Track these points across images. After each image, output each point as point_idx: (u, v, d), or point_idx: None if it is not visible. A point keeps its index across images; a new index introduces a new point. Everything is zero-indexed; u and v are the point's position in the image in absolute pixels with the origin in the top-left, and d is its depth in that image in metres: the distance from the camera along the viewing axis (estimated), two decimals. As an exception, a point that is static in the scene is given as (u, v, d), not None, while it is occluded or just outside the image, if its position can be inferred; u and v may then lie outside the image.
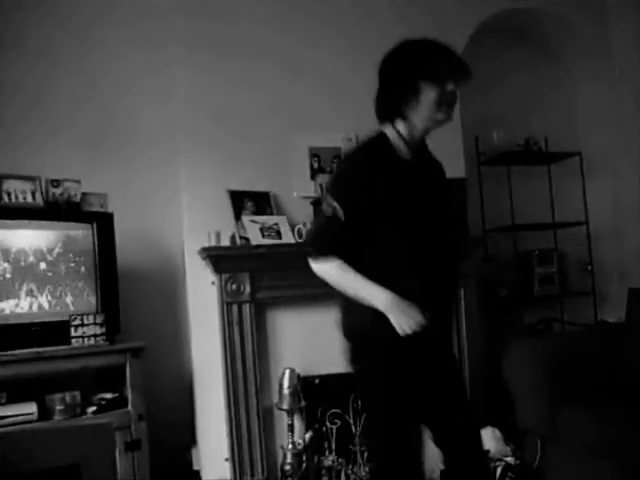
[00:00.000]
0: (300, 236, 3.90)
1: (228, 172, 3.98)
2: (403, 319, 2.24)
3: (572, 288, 4.71)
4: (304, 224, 3.93)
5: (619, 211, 4.84)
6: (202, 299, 3.91)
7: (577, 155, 4.72)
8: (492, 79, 4.41)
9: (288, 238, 3.88)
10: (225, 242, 3.84)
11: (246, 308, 3.83)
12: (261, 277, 3.86)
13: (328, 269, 2.37)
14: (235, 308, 3.81)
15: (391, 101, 2.33)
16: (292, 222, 3.98)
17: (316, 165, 4.16)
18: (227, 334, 3.80)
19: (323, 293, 3.88)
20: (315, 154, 4.17)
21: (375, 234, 2.31)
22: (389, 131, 2.35)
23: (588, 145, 4.82)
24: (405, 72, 2.28)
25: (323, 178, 4.11)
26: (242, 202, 3.94)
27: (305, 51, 4.20)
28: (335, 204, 2.28)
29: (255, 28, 4.12)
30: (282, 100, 4.14)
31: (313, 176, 4.14)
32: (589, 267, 4.69)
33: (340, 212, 2.26)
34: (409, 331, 2.23)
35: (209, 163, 3.97)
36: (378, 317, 2.27)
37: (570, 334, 4.45)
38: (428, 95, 2.25)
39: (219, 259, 3.77)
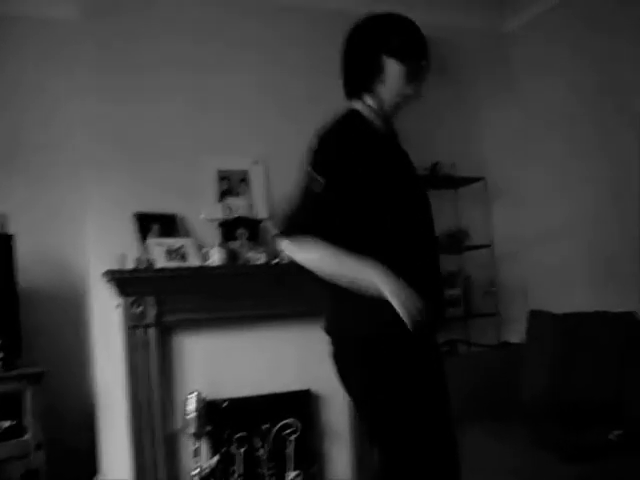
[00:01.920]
0: (206, 259, 3.89)
1: (135, 194, 3.94)
2: (410, 304, 1.99)
3: (477, 310, 4.81)
4: (210, 247, 3.91)
5: (522, 234, 4.98)
6: (106, 323, 3.84)
7: (482, 180, 4.84)
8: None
9: (194, 261, 3.86)
10: (130, 265, 3.79)
11: (151, 332, 3.79)
12: (167, 300, 3.82)
13: (315, 252, 2.07)
14: (140, 332, 3.76)
15: (359, 76, 2.22)
16: (199, 244, 3.97)
17: (224, 187, 4.16)
18: (131, 358, 3.74)
19: (231, 315, 4.00)
20: (223, 177, 4.17)
21: (371, 212, 2.10)
22: (359, 106, 2.22)
23: (493, 170, 4.95)
24: (371, 46, 2.18)
25: (231, 200, 4.11)
26: (148, 224, 3.91)
27: (214, 74, 4.23)
28: (318, 178, 2.05)
29: (164, 49, 4.13)
30: (190, 122, 4.14)
31: (221, 198, 4.14)
32: (493, 289, 4.80)
33: (323, 186, 2.05)
34: (417, 317, 1.99)
35: (115, 185, 3.93)
36: (381, 309, 2.01)
37: (475, 355, 4.55)
38: (395, 70, 2.16)
39: (123, 282, 3.72)
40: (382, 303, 2.01)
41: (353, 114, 2.20)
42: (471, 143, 5.01)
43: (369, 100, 2.22)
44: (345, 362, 2.15)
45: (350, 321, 2.13)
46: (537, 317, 4.29)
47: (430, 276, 2.18)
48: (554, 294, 4.66)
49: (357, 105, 2.23)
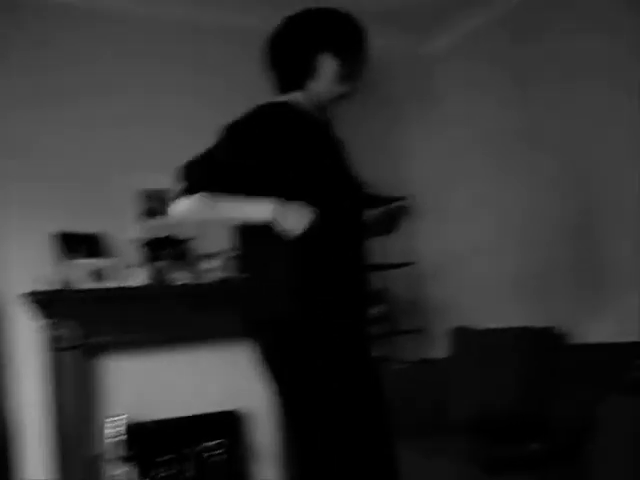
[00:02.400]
0: (131, 279, 3.83)
1: (58, 213, 3.88)
2: (294, 218, 1.96)
3: (401, 326, 4.87)
4: (135, 267, 3.87)
5: (446, 252, 5.07)
6: (26, 346, 3.75)
7: (407, 197, 4.91)
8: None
9: (118, 281, 3.80)
10: (52, 286, 3.70)
11: (73, 354, 3.70)
12: (90, 322, 3.75)
13: (192, 202, 2.00)
14: (61, 354, 3.68)
15: (291, 72, 2.15)
16: (124, 265, 3.91)
17: (149, 207, 4.12)
18: (53, 381, 3.66)
19: (156, 337, 3.95)
20: (149, 196, 4.13)
21: (281, 182, 2.05)
22: (288, 98, 2.16)
23: (418, 187, 5.03)
24: (305, 42, 2.12)
25: (157, 220, 4.08)
26: (71, 244, 3.83)
27: (138, 93, 4.20)
28: (222, 143, 2.04)
29: (85, 70, 4.10)
30: (115, 142, 4.09)
31: (147, 218, 4.10)
32: (418, 306, 4.87)
33: (229, 151, 2.02)
34: (301, 229, 1.95)
35: (37, 204, 3.85)
36: (302, 295, 2.01)
37: (400, 372, 4.59)
38: (329, 65, 2.11)
39: (44, 304, 3.64)
40: (296, 289, 2.01)
41: (280, 101, 2.14)
42: (396, 162, 5.08)
43: (299, 96, 2.16)
44: (263, 341, 2.12)
45: (266, 308, 2.09)
46: (461, 333, 4.38)
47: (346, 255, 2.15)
48: (478, 310, 4.75)
49: (284, 97, 2.17)
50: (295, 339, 2.03)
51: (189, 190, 2.01)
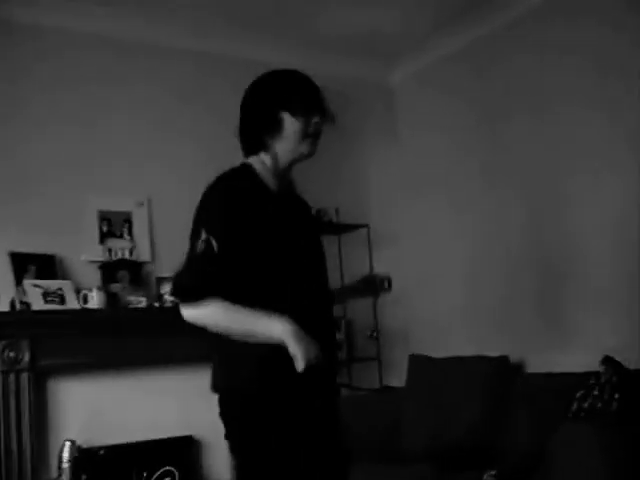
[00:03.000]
0: (85, 301, 3.78)
1: (10, 233, 3.82)
2: (305, 348, 1.98)
3: (359, 354, 4.87)
4: (90, 289, 3.82)
5: (403, 280, 5.10)
6: (-24, 367, 3.67)
7: (365, 227, 4.95)
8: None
9: (73, 303, 3.75)
10: (4, 307, 3.64)
11: (24, 377, 3.63)
12: (43, 344, 3.68)
13: (210, 312, 2.03)
14: (12, 377, 3.60)
15: (254, 133, 2.20)
16: (78, 287, 3.86)
17: (105, 229, 4.09)
18: (2, 405, 3.57)
19: (110, 360, 3.89)
20: (105, 217, 4.09)
21: (257, 266, 2.07)
22: (254, 162, 2.20)
23: (376, 216, 5.07)
24: (268, 102, 2.18)
25: (112, 242, 4.05)
26: (24, 265, 3.77)
27: (100, 113, 4.19)
28: (208, 237, 2.01)
29: (46, 86, 4.07)
30: (73, 161, 4.07)
31: (102, 240, 4.06)
32: (374, 333, 4.88)
33: (215, 245, 2.01)
34: (312, 361, 1.97)
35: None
36: (271, 365, 2.03)
37: (357, 399, 4.58)
38: (292, 126, 2.16)
39: (-5, 325, 3.57)
40: (265, 357, 2.01)
41: (241, 169, 2.19)
42: (355, 190, 5.12)
43: (265, 158, 2.20)
44: (227, 417, 2.12)
45: (231, 376, 2.10)
46: (416, 361, 4.40)
47: (321, 328, 2.14)
48: (434, 339, 4.78)
49: (251, 160, 2.22)
50: (259, 414, 2.04)
51: (200, 296, 2.03)
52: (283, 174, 2.25)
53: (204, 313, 2.03)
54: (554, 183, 4.12)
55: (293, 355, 1.98)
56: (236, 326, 2.04)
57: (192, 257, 2.05)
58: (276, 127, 2.17)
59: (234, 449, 2.15)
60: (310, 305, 2.16)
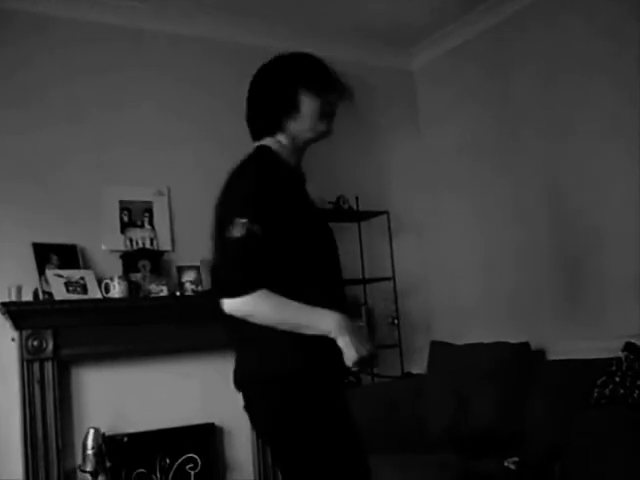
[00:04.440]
0: (107, 291, 3.81)
1: (32, 224, 3.85)
2: (358, 342, 1.93)
3: (380, 341, 4.86)
4: (111, 279, 3.85)
5: (424, 267, 5.10)
6: (1, 357, 3.71)
7: (385, 213, 4.93)
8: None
9: (94, 293, 3.78)
10: (27, 297, 3.67)
11: (48, 365, 3.68)
12: (65, 333, 3.72)
13: (257, 306, 1.94)
14: (36, 366, 3.65)
15: (270, 113, 2.17)
16: (99, 276, 3.89)
17: (126, 219, 4.11)
18: (27, 393, 3.62)
19: (132, 349, 3.92)
20: (125, 207, 4.12)
21: (292, 249, 2.01)
22: (270, 143, 2.17)
23: (396, 204, 5.06)
24: (286, 82, 2.16)
25: (133, 232, 4.07)
26: (47, 255, 3.81)
27: (120, 103, 4.21)
28: (246, 222, 1.92)
29: (65, 79, 4.09)
30: (93, 152, 4.09)
31: (123, 230, 4.08)
32: (395, 321, 4.87)
33: (256, 230, 1.92)
34: (365, 354, 1.92)
35: (12, 213, 3.83)
36: (316, 354, 1.97)
37: (378, 386, 4.60)
38: (310, 105, 2.15)
39: (19, 315, 3.61)
40: (301, 344, 1.96)
41: (264, 151, 2.16)
42: (375, 177, 5.10)
43: (281, 137, 2.19)
44: (265, 409, 2.03)
45: (268, 364, 2.01)
46: (438, 348, 4.40)
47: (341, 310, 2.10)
48: (455, 326, 4.78)
49: (267, 142, 2.19)
50: (305, 402, 1.97)
51: (250, 288, 1.93)
52: (300, 154, 2.24)
53: (251, 306, 1.94)
54: (573, 169, 4.09)
55: (344, 348, 1.93)
56: (284, 319, 1.96)
57: (231, 247, 1.95)
58: (294, 106, 2.15)
59: (275, 439, 2.06)
60: (338, 288, 2.15)
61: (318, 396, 1.99)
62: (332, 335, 1.94)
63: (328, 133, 2.22)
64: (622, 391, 3.09)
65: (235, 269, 1.95)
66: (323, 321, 1.95)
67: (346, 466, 2.00)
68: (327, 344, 1.96)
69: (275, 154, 2.16)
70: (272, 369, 2.00)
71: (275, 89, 2.18)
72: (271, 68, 2.24)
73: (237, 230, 1.93)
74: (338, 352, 1.97)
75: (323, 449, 1.98)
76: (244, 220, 1.93)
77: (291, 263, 2.02)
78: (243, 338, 2.07)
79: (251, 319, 1.96)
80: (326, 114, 2.19)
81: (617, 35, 3.81)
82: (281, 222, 1.99)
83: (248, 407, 2.08)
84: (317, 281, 2.07)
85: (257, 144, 2.20)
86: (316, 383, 1.99)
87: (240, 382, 2.09)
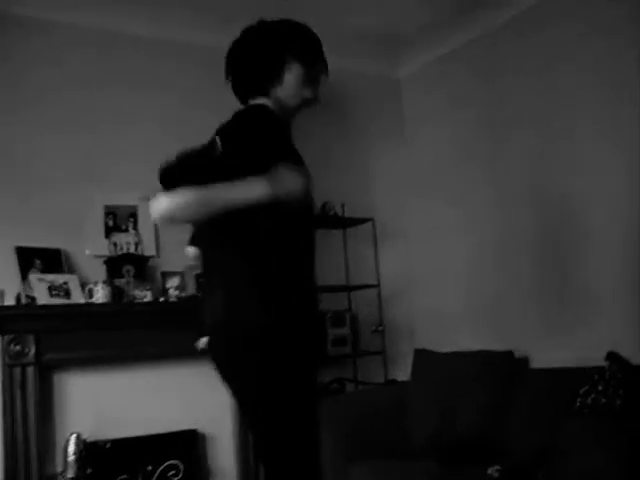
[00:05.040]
0: (90, 296, 3.79)
1: (15, 226, 3.83)
2: (291, 180, 1.94)
3: (364, 348, 4.87)
4: (95, 283, 3.83)
5: (409, 274, 5.10)
6: (-19, 362, 3.68)
7: (370, 220, 4.94)
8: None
9: (78, 297, 3.76)
10: (10, 301, 3.65)
11: (30, 370, 3.65)
12: (48, 338, 3.70)
13: (184, 194, 1.92)
14: (18, 371, 3.62)
15: (258, 78, 2.18)
16: (84, 281, 3.87)
17: (111, 223, 4.09)
18: (8, 398, 3.59)
19: (115, 354, 3.90)
20: (110, 212, 4.10)
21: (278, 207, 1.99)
22: (262, 101, 2.17)
23: (382, 210, 5.06)
24: (272, 47, 2.18)
25: (118, 236, 4.05)
26: (30, 259, 3.78)
27: (104, 109, 4.19)
28: (222, 147, 1.94)
29: (53, 80, 4.08)
30: (78, 155, 4.07)
31: (107, 234, 4.07)
32: (380, 328, 4.87)
33: (226, 155, 1.93)
34: (300, 189, 1.94)
35: (-4, 217, 3.80)
36: (278, 298, 1.98)
37: (362, 393, 4.60)
38: (295, 71, 2.18)
39: (2, 319, 3.58)
40: (279, 292, 1.98)
41: (262, 106, 2.14)
42: (362, 184, 5.11)
43: (266, 101, 2.18)
44: (238, 356, 2.01)
45: (247, 311, 1.99)
46: (422, 356, 4.40)
47: (310, 281, 2.15)
48: (438, 333, 4.78)
49: (259, 101, 2.19)
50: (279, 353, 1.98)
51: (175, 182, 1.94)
52: (288, 120, 2.25)
53: (180, 196, 1.92)
54: (558, 180, 4.10)
55: (284, 194, 1.93)
56: (214, 197, 1.92)
57: (190, 154, 2.00)
58: (279, 72, 2.18)
59: (247, 386, 2.05)
60: (311, 264, 2.15)
61: (281, 356, 1.98)
62: (270, 192, 1.91)
63: (314, 100, 2.25)
64: (604, 400, 3.10)
65: (176, 169, 2.00)
66: (254, 186, 1.92)
67: (301, 422, 2.02)
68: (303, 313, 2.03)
69: (272, 110, 2.15)
70: (239, 320, 2.00)
71: (264, 55, 2.19)
72: (259, 33, 2.24)
73: (207, 147, 1.96)
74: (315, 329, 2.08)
75: (280, 404, 1.99)
76: (219, 144, 1.94)
77: (271, 219, 2.00)
78: (212, 284, 2.09)
79: (180, 213, 1.96)
80: (312, 81, 2.22)
81: (609, 38, 3.82)
82: (257, 164, 1.96)
83: (213, 351, 2.10)
84: (293, 249, 2.07)
85: (250, 103, 2.20)
86: (281, 343, 1.98)
87: (209, 328, 2.10)
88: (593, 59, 3.89)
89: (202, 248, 2.25)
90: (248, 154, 1.97)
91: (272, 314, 1.98)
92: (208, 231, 2.14)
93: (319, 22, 4.49)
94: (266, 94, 2.19)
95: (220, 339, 2.06)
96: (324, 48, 2.31)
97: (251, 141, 1.99)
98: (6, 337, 3.61)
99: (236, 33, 2.29)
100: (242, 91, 2.24)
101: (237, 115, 2.06)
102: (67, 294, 3.74)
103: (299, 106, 2.24)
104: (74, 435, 3.66)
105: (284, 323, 1.99)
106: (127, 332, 3.89)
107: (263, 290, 1.99)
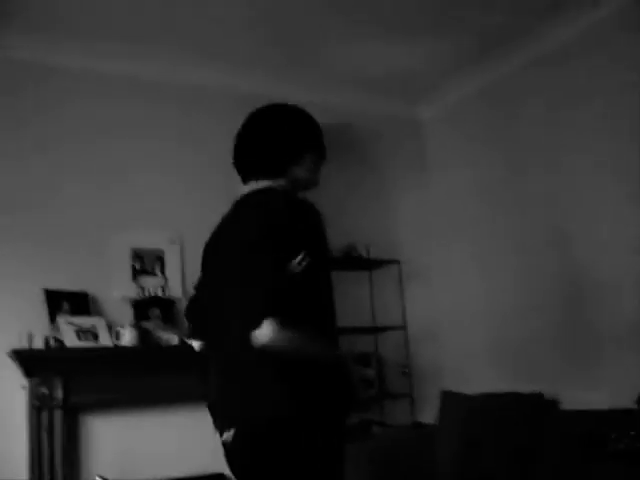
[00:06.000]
0: (117, 338, 3.81)
1: (44, 270, 3.88)
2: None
3: (391, 390, 4.83)
4: (122, 326, 3.85)
5: (435, 316, 5.08)
6: (9, 404, 3.71)
7: (396, 262, 4.93)
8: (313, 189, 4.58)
9: (105, 340, 3.79)
10: (38, 344, 3.68)
11: (57, 413, 3.66)
12: (75, 381, 3.72)
13: (289, 336, 1.91)
14: (45, 414, 3.63)
15: (277, 160, 2.24)
16: (111, 324, 3.90)
17: (138, 266, 4.13)
18: (35, 441, 3.60)
19: (142, 397, 3.91)
20: (138, 255, 4.14)
21: (315, 285, 2.02)
22: (276, 184, 2.22)
23: (406, 251, 5.06)
24: (295, 136, 2.27)
25: (145, 279, 4.09)
26: (58, 302, 3.82)
27: (129, 152, 4.26)
28: (304, 257, 1.94)
29: (75, 124, 4.17)
30: (106, 199, 4.14)
31: (135, 277, 4.10)
32: (406, 370, 4.84)
33: (309, 264, 1.94)
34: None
35: (23, 259, 3.86)
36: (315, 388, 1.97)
37: (389, 436, 4.55)
38: (312, 157, 2.29)
39: (30, 362, 3.61)
40: (315, 382, 1.97)
41: (279, 190, 2.18)
42: (386, 226, 5.12)
43: (282, 181, 2.23)
44: (263, 448, 2.06)
45: (256, 407, 2.04)
46: (449, 398, 4.35)
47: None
48: (465, 375, 4.73)
49: (272, 183, 2.22)
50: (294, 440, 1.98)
51: (289, 322, 1.92)
52: None
53: (286, 337, 1.91)
54: (579, 222, 4.11)
55: (350, 377, 2.02)
56: (305, 348, 1.97)
57: (274, 274, 1.94)
58: (299, 159, 2.27)
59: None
60: (334, 328, 2.16)
61: (308, 443, 1.97)
62: (339, 363, 2.02)
63: (317, 184, 2.35)
64: (637, 445, 3.04)
65: (281, 301, 1.92)
66: (332, 347, 2.06)
67: None
68: (323, 386, 1.99)
69: (289, 193, 2.20)
70: (260, 413, 2.03)
71: (285, 140, 2.27)
72: (276, 117, 2.32)
73: (297, 264, 1.94)
74: (336, 392, 2.02)
75: None
76: (303, 255, 1.94)
77: (308, 297, 2.01)
78: (246, 379, 2.08)
79: (282, 350, 1.93)
80: (319, 168, 2.34)
81: (618, 77, 3.85)
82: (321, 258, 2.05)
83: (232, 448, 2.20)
84: (321, 318, 2.09)
85: (262, 185, 2.22)
86: (308, 430, 1.97)
87: (227, 420, 2.20)
88: (609, 100, 3.90)
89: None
90: (324, 257, 2.07)
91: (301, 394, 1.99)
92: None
93: (343, 65, 4.63)
94: (285, 175, 2.25)
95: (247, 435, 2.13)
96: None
97: (323, 243, 2.07)
98: (34, 380, 3.63)
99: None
100: (258, 169, 2.27)
101: (283, 213, 2.06)
102: (95, 337, 3.77)
103: (307, 188, 2.32)
104: (99, 478, 3.65)
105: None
106: (154, 375, 3.89)
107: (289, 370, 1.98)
